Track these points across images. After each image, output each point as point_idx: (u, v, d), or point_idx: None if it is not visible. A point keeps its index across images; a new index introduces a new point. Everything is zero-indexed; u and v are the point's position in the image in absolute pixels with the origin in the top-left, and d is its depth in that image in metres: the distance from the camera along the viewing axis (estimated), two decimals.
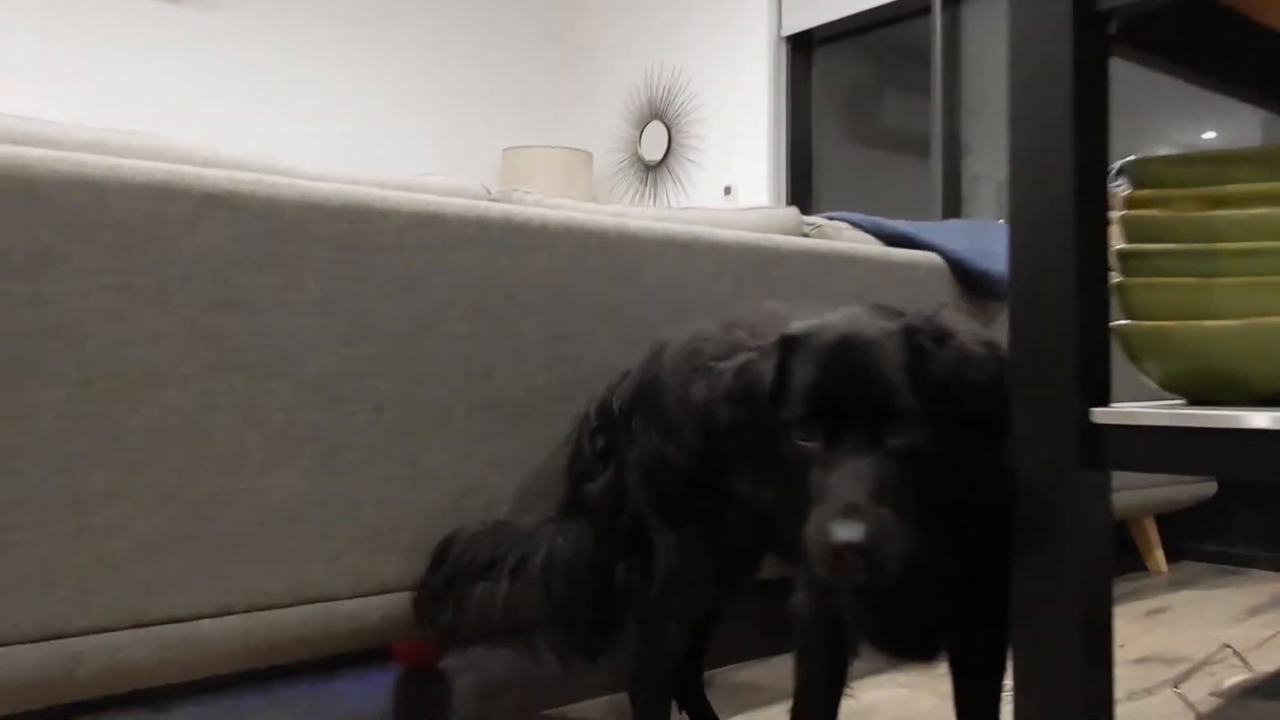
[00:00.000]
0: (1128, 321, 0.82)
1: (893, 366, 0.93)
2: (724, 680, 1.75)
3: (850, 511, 0.87)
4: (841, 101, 4.43)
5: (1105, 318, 0.81)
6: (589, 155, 4.73)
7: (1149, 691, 1.73)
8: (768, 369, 1.00)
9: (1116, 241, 0.84)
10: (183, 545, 1.23)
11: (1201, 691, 0.85)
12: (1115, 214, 0.83)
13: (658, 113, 4.70)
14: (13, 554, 1.13)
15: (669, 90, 4.65)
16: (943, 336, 0.97)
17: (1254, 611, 2.38)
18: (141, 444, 1.20)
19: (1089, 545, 0.79)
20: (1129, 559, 2.90)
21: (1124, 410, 0.78)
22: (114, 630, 1.19)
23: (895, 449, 0.91)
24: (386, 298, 1.37)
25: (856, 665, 1.63)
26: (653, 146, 4.72)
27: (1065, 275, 0.78)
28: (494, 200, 1.54)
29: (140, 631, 1.21)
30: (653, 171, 4.74)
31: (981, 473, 0.96)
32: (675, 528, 1.31)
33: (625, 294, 1.58)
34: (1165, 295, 0.81)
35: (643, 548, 1.36)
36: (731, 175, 4.41)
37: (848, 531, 0.86)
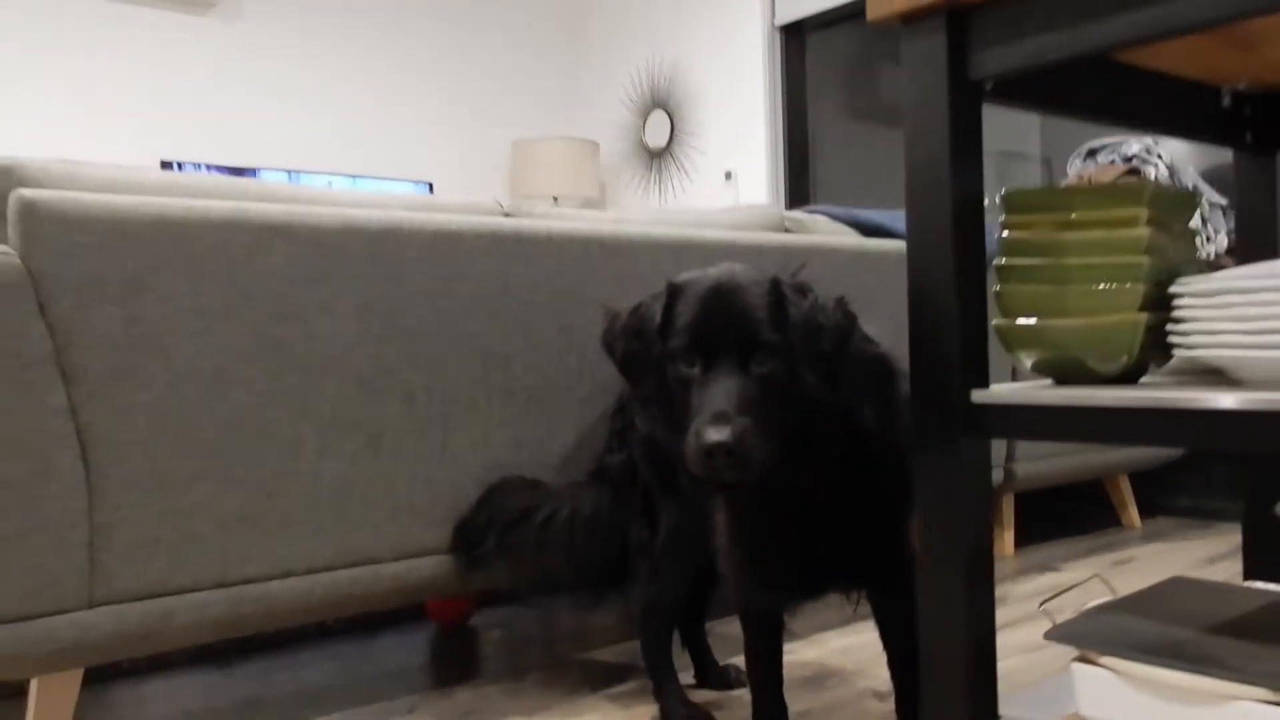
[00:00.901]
0: (1003, 320, 1.04)
1: (758, 308, 1.14)
2: (722, 630, 1.98)
3: (719, 418, 1.06)
4: (838, 80, 4.60)
5: (983, 316, 1.02)
6: (596, 145, 4.94)
7: None
8: (656, 309, 1.20)
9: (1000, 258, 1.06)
10: (252, 521, 1.47)
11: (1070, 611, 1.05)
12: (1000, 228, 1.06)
13: (660, 101, 4.90)
14: (118, 530, 1.37)
15: (670, 79, 4.84)
16: (803, 290, 1.18)
17: (1213, 560, 2.60)
18: (216, 437, 1.44)
19: (972, 497, 1.01)
20: (1104, 515, 3.12)
21: (997, 391, 0.99)
22: (200, 590, 1.44)
23: (758, 374, 1.11)
24: (415, 303, 1.60)
25: (823, 612, 1.85)
26: (656, 134, 4.92)
27: (948, 281, 1.00)
28: (507, 215, 1.77)
29: (220, 591, 1.46)
30: (657, 158, 4.95)
31: (827, 407, 1.15)
32: (672, 495, 1.54)
33: (625, 290, 1.80)
34: (1029, 299, 1.02)
35: (651, 511, 1.60)
36: (732, 160, 4.61)
37: (717, 434, 1.04)
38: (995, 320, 1.05)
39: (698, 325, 1.14)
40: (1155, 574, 2.44)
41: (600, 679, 1.79)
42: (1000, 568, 2.58)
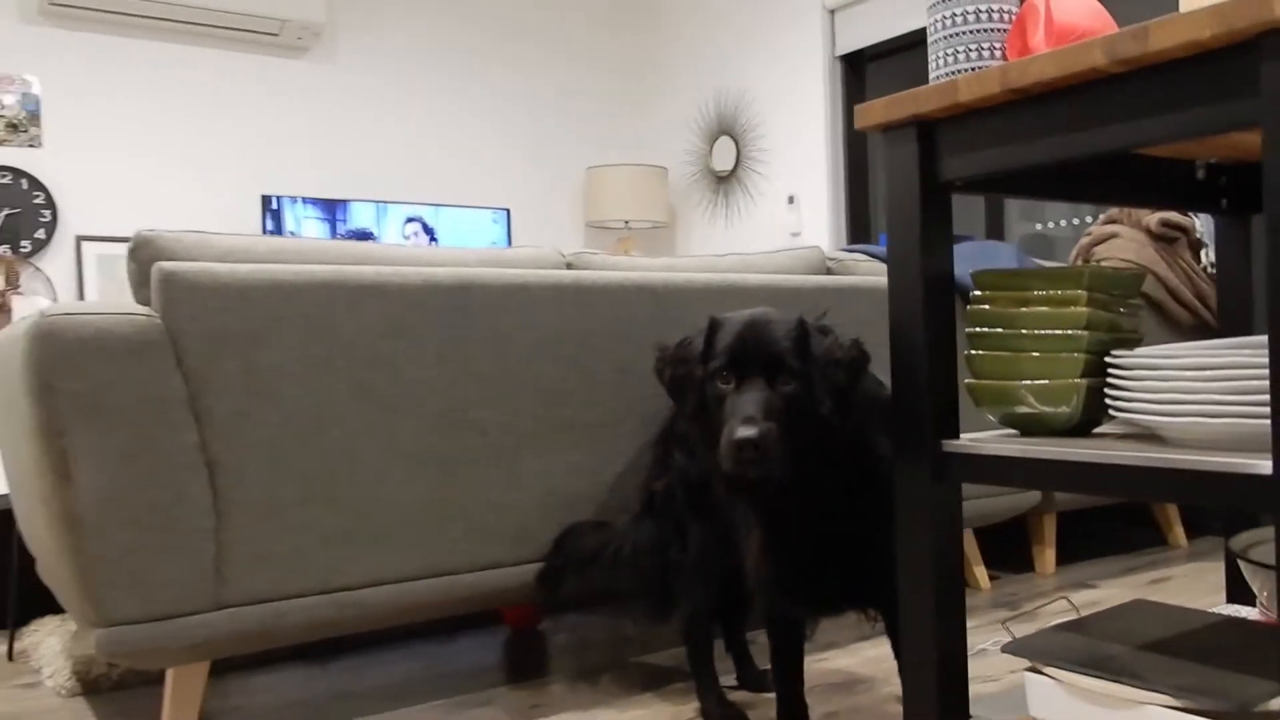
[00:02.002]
0: (972, 380, 1.23)
1: (785, 339, 1.36)
2: (764, 640, 2.18)
3: (748, 421, 1.28)
4: None
5: (952, 376, 1.21)
6: (664, 170, 5.16)
7: None
8: (699, 340, 1.44)
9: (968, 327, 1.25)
10: (349, 538, 1.73)
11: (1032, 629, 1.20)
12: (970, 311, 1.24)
13: (726, 128, 5.10)
14: (239, 545, 1.64)
15: (736, 107, 5.05)
16: (824, 329, 1.41)
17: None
18: (318, 467, 1.70)
19: (943, 534, 1.20)
20: (1151, 535, 3.22)
21: (964, 442, 1.18)
22: (307, 596, 1.70)
23: (782, 392, 1.34)
24: (486, 349, 1.84)
25: (863, 629, 2.02)
26: (723, 159, 5.13)
27: (921, 347, 1.19)
28: (568, 266, 2.00)
29: (324, 597, 1.71)
30: (723, 183, 5.15)
31: (840, 431, 1.35)
32: (701, 519, 1.76)
33: (672, 333, 2.02)
34: (992, 363, 1.21)
35: (684, 533, 1.81)
36: (795, 184, 4.79)
37: (745, 431, 1.26)
38: (966, 379, 1.24)
39: (733, 350, 1.37)
40: (1188, 593, 2.56)
41: (654, 679, 2.01)
42: (1038, 585, 2.72)
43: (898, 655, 1.55)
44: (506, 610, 2.44)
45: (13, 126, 4.15)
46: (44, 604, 2.47)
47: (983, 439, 1.20)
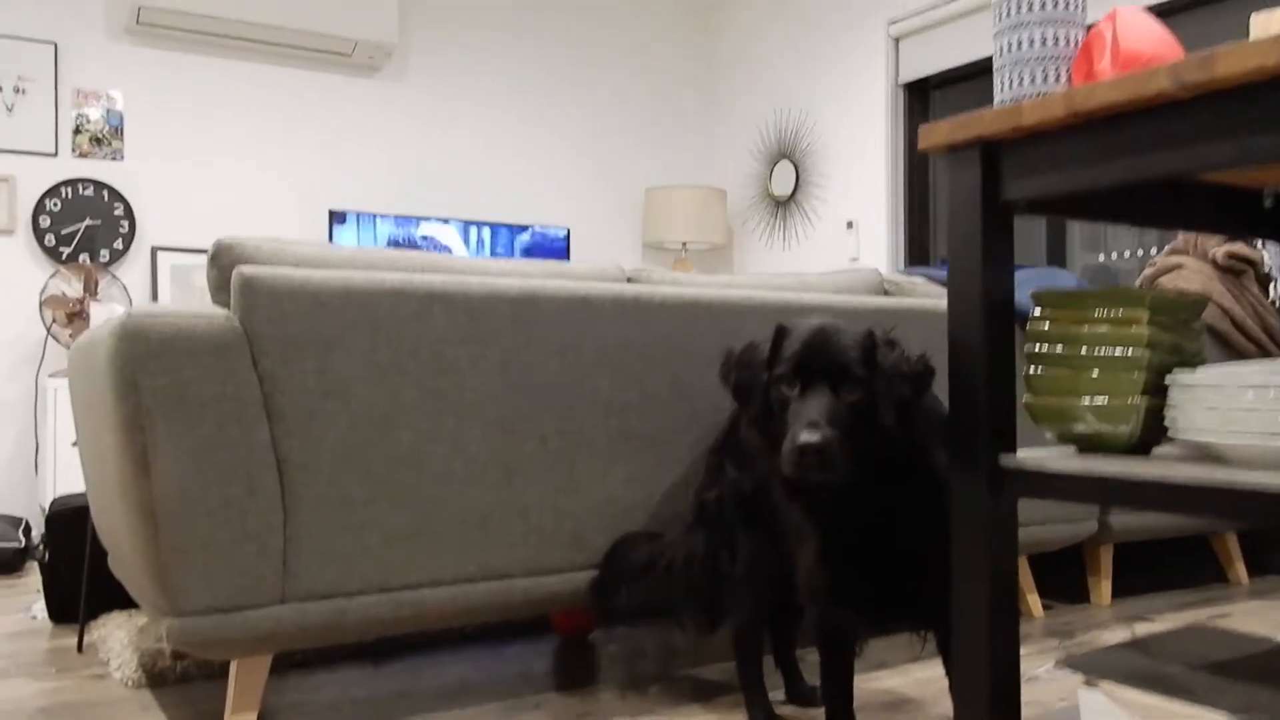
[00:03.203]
0: (1031, 398, 1.24)
1: (851, 349, 1.39)
2: (814, 658, 2.18)
3: (812, 426, 1.30)
4: None
5: (1011, 391, 1.22)
6: (723, 193, 5.20)
7: None
8: (765, 346, 1.47)
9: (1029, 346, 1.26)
10: (411, 538, 1.77)
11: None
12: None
13: (786, 152, 5.13)
14: (306, 541, 1.69)
15: (796, 131, 5.07)
16: (891, 343, 1.43)
17: None
18: (384, 467, 1.75)
19: (998, 549, 1.21)
20: (1211, 571, 3.16)
21: (1021, 457, 1.19)
22: (368, 594, 1.75)
23: (846, 401, 1.36)
24: (549, 359, 1.88)
25: (911, 644, 2.03)
26: (782, 183, 5.15)
27: (980, 365, 1.21)
28: (629, 280, 2.04)
29: (384, 595, 1.76)
30: (782, 207, 5.18)
31: (902, 443, 1.37)
32: (751, 531, 1.78)
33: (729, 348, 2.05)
34: (1052, 381, 1.22)
35: (734, 544, 1.83)
36: (854, 210, 4.80)
37: (809, 435, 1.29)
38: (1025, 397, 1.25)
39: (799, 357, 1.40)
40: (1248, 628, 2.51)
41: (702, 692, 2.03)
42: (1094, 616, 2.69)
43: (950, 675, 1.56)
44: (558, 618, 2.47)
45: (97, 140, 4.32)
46: (113, 599, 2.55)
47: (1040, 454, 1.21)
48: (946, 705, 1.92)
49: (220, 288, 1.73)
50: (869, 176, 4.72)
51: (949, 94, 4.64)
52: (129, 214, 4.33)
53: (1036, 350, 1.25)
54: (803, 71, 5.05)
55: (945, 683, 2.04)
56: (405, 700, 2.01)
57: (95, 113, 4.32)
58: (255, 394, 1.65)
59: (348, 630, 1.75)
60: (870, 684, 2.07)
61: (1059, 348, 1.23)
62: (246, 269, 1.67)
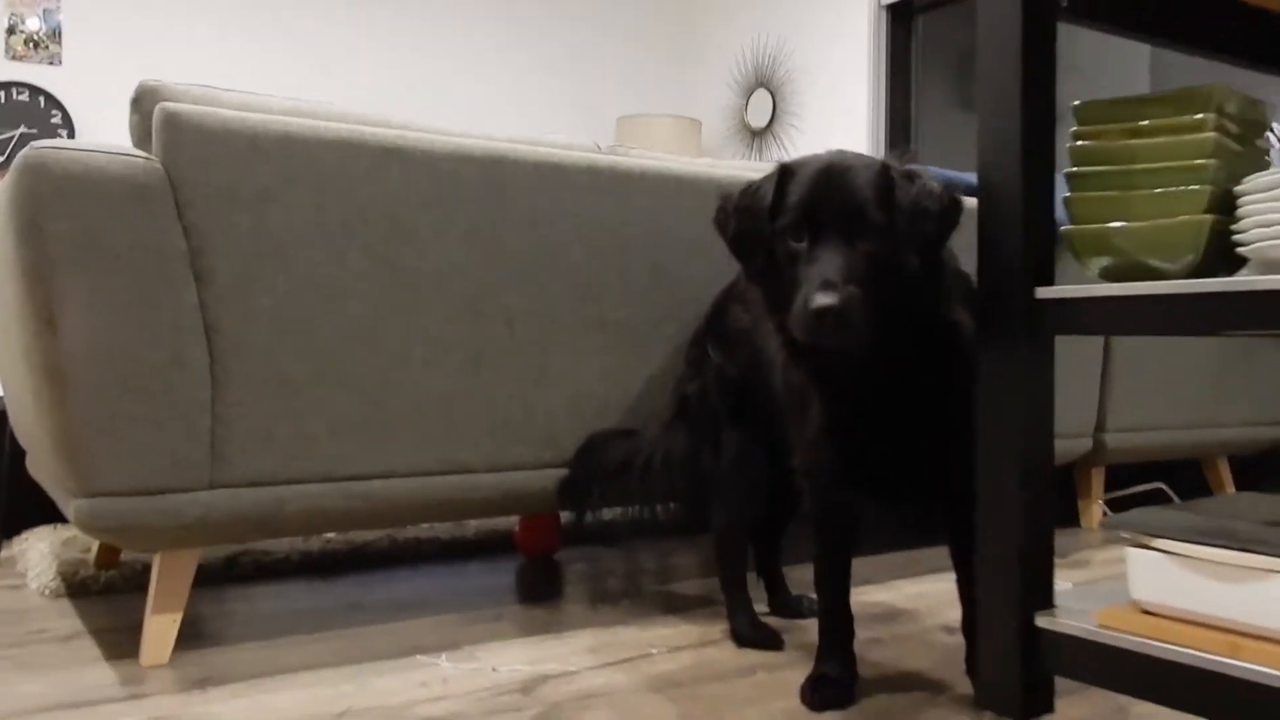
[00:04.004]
0: (1072, 227, 1.07)
1: (866, 188, 1.18)
2: (798, 575, 2.03)
3: (827, 286, 1.12)
4: (942, 71, 4.57)
5: (1049, 217, 1.05)
6: (698, 123, 5.00)
7: None
8: (768, 189, 1.25)
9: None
10: (361, 425, 1.58)
11: None
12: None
13: (763, 80, 4.94)
14: (237, 424, 1.49)
15: (774, 59, 4.88)
16: (911, 175, 1.21)
17: None
18: (330, 344, 1.55)
19: (1034, 396, 1.05)
20: (1201, 495, 3.05)
21: (1060, 288, 1.03)
22: (310, 482, 1.56)
23: (863, 250, 1.16)
24: (519, 231, 1.69)
25: (897, 564, 1.88)
26: (758, 114, 4.96)
27: (1016, 188, 1.04)
28: (604, 153, 1.85)
29: (329, 485, 1.57)
30: (758, 138, 4.99)
31: (926, 294, 1.19)
32: (737, 425, 1.61)
33: (715, 235, 1.87)
34: (1098, 205, 1.05)
35: (718, 440, 1.66)
36: (833, 142, 4.62)
37: (825, 298, 1.10)
38: (1065, 227, 1.09)
39: (808, 203, 1.19)
40: None
41: (677, 605, 1.87)
42: (1086, 539, 2.56)
43: (959, 563, 1.38)
44: (521, 534, 2.29)
45: (33, 43, 4.03)
46: (45, 513, 2.35)
47: (1084, 285, 1.05)
48: (941, 616, 1.77)
49: (143, 139, 1.52)
50: (849, 106, 4.54)
51: (934, 18, 4.47)
52: (67, 122, 4.05)
53: (1079, 171, 1.08)
54: None
55: (940, 597, 1.90)
56: (354, 612, 1.83)
57: (33, 15, 4.03)
58: (180, 248, 1.44)
59: (288, 523, 1.57)
60: (858, 597, 1.92)
61: (1106, 166, 1.06)
62: (171, 106, 1.45)
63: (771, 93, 4.89)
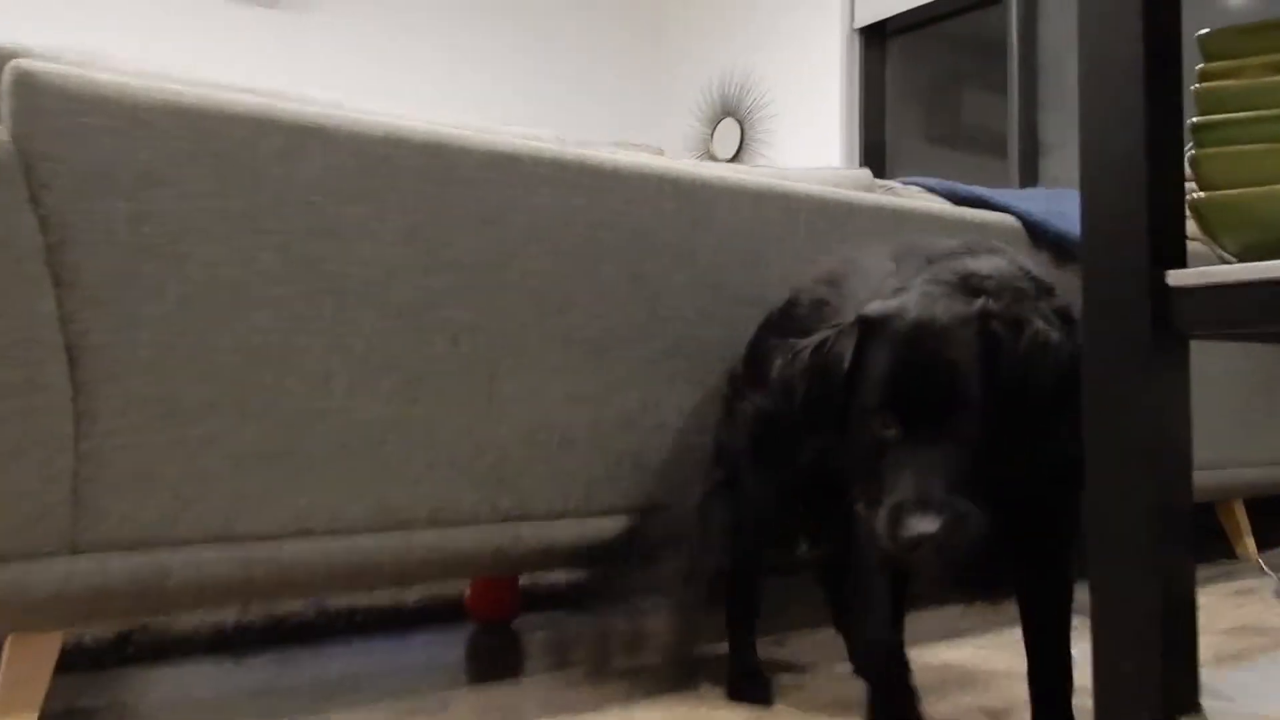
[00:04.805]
0: (1203, 195, 0.81)
1: (966, 358, 0.96)
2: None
3: (924, 504, 0.91)
4: (916, 99, 4.40)
5: (1179, 181, 0.79)
6: (660, 152, 4.77)
7: (1241, 656, 1.68)
8: (845, 351, 1.04)
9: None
10: (269, 462, 1.27)
11: None
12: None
13: (730, 109, 4.73)
14: (110, 461, 1.18)
15: (741, 86, 4.68)
16: (1019, 323, 0.99)
17: None
18: (233, 362, 1.25)
19: (1165, 422, 0.77)
20: (1217, 545, 2.81)
21: (1202, 271, 0.77)
22: (204, 544, 1.24)
23: (966, 439, 0.95)
24: (466, 231, 1.40)
25: (930, 627, 1.62)
26: (725, 143, 4.75)
27: (1136, 140, 0.78)
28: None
29: (226, 546, 1.25)
30: None
31: (1049, 446, 0.99)
32: (763, 469, 1.39)
33: (700, 238, 1.60)
34: (1239, 163, 0.79)
35: (734, 469, 1.45)
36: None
37: (924, 524, 0.89)
38: (1192, 195, 0.83)
39: (894, 382, 0.99)
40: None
41: (659, 682, 1.56)
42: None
43: (1032, 641, 1.15)
44: (473, 600, 1.97)
45: None
46: None
47: (1235, 267, 0.78)
48: (979, 690, 1.48)
49: None
50: (822, 132, 4.34)
51: (909, 44, 4.29)
52: None
53: (1208, 122, 0.82)
54: (749, 18, 4.65)
55: (974, 666, 1.62)
56: (266, 699, 1.50)
57: None
58: (34, 243, 1.13)
59: (173, 597, 1.24)
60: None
61: (1249, 112, 0.80)
62: (26, 63, 1.15)
63: (739, 121, 4.68)
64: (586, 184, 1.50)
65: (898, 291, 1.07)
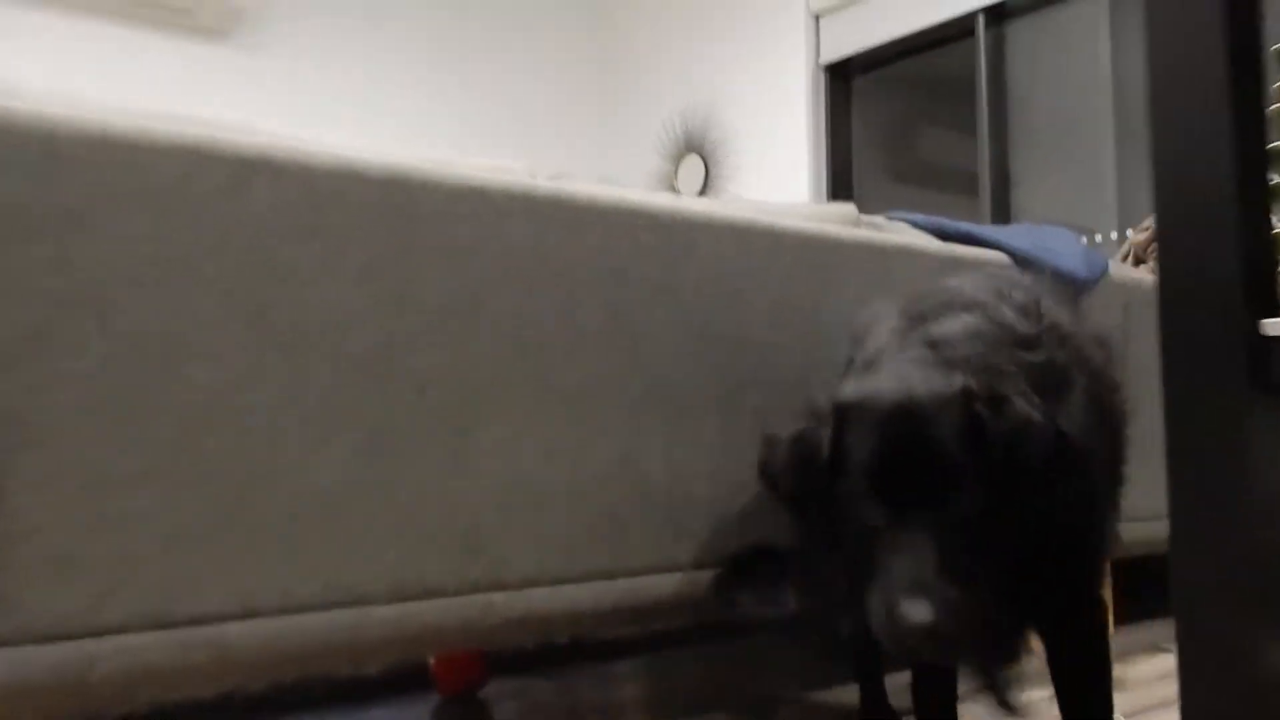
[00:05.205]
0: None
1: (949, 439, 0.95)
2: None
3: (916, 590, 0.89)
4: (883, 137, 4.36)
5: (1268, 219, 0.70)
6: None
7: None
8: (823, 440, 1.02)
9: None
10: (210, 537, 1.13)
11: None
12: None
13: (694, 145, 4.65)
14: (27, 543, 1.03)
15: (706, 121, 4.60)
16: (999, 402, 0.97)
17: None
18: (169, 426, 1.11)
19: (1265, 480, 0.67)
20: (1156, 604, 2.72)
21: None
22: (133, 631, 1.09)
23: (955, 520, 0.93)
24: (432, 271, 1.28)
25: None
26: (690, 180, 4.67)
27: (1220, 171, 0.68)
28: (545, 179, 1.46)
29: (161, 634, 1.11)
30: None
31: (1042, 521, 0.99)
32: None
33: (681, 275, 1.49)
34: None
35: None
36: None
37: (916, 613, 0.88)
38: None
39: (878, 467, 0.97)
40: None
41: None
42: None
43: (1065, 696, 1.15)
44: (439, 669, 1.82)
45: None
46: None
47: None
48: None
49: None
50: (788, 170, 4.27)
51: (873, 80, 4.25)
52: None
53: None
54: (713, 56, 4.59)
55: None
56: None
57: None
58: None
59: (99, 693, 1.09)
60: None
61: None
62: None
63: (704, 157, 4.60)
64: (561, 219, 1.39)
65: (870, 366, 1.06)
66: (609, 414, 1.41)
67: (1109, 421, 1.13)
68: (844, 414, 1.01)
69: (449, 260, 1.29)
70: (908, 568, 0.91)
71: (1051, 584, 1.07)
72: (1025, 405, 0.97)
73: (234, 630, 1.15)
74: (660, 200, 1.50)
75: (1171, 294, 0.69)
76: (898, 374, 1.01)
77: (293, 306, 1.18)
